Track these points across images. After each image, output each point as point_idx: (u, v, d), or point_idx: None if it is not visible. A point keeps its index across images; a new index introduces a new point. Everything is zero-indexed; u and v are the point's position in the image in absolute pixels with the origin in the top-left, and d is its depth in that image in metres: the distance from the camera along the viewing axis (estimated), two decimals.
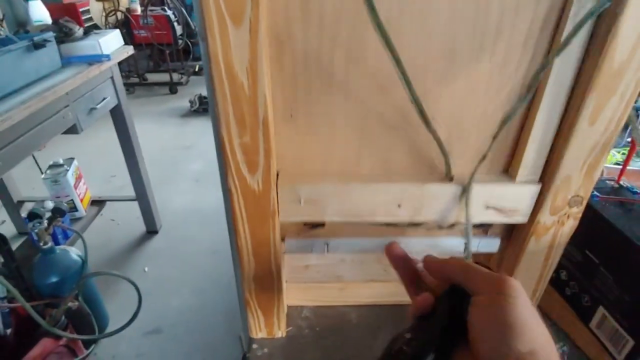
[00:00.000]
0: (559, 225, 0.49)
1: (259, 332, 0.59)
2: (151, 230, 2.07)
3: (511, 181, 0.49)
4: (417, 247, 0.52)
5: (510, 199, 0.50)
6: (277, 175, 0.47)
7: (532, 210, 0.49)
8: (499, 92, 0.45)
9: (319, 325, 0.61)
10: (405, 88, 0.40)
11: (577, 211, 0.48)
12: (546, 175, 0.47)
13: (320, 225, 0.53)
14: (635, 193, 0.57)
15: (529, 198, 0.49)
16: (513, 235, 0.55)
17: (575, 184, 0.45)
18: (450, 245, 0.54)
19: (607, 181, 0.61)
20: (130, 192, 1.97)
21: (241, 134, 0.42)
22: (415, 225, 0.52)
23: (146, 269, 1.86)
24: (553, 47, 0.41)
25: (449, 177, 0.49)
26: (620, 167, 0.89)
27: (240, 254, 0.51)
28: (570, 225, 0.49)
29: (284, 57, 0.42)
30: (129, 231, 2.08)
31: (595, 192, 0.57)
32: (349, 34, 0.40)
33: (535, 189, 0.49)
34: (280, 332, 0.59)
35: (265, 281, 0.53)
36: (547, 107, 0.44)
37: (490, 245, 0.54)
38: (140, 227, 2.07)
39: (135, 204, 1.99)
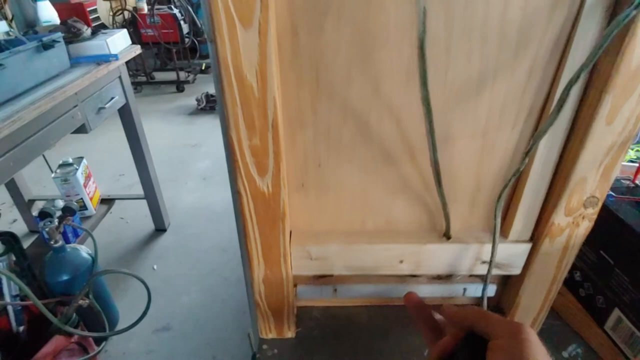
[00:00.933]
0: (573, 226, 0.48)
1: (269, 333, 0.59)
2: (160, 228, 2.08)
3: (504, 240, 0.53)
4: (420, 292, 0.55)
5: (503, 256, 0.53)
6: (290, 234, 0.52)
7: (543, 213, 0.49)
8: (498, 161, 0.49)
9: (329, 327, 0.61)
10: (430, 154, 0.45)
11: (593, 212, 0.47)
12: (560, 176, 0.46)
13: (329, 275, 0.57)
14: None
15: (521, 255, 0.53)
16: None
17: (591, 185, 0.44)
18: (449, 290, 0.58)
19: (623, 180, 0.59)
20: (139, 190, 1.98)
21: (250, 136, 0.41)
22: (415, 276, 0.57)
23: (155, 267, 1.87)
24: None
25: (447, 237, 0.53)
26: (637, 165, 0.87)
27: (250, 256, 0.50)
28: (585, 227, 0.48)
29: (296, 137, 0.46)
30: (138, 229, 2.09)
31: (611, 192, 0.55)
32: (356, 116, 0.45)
33: (526, 247, 0.52)
34: (290, 333, 0.59)
35: (275, 284, 0.53)
36: (539, 168, 0.47)
37: (489, 290, 0.58)
38: (149, 225, 2.08)
39: (144, 202, 2.00)
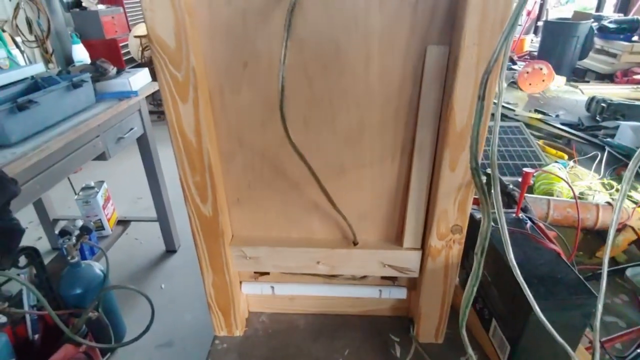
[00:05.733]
0: (448, 249, 0.62)
1: (221, 330, 0.75)
2: (170, 250, 2.29)
3: (400, 247, 0.69)
4: (342, 293, 0.75)
5: (400, 260, 0.69)
6: (232, 237, 0.71)
7: (423, 238, 0.64)
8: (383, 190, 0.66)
9: (272, 328, 0.76)
10: (317, 184, 0.62)
11: (460, 237, 0.61)
12: (429, 209, 0.62)
13: (266, 273, 0.75)
14: (525, 224, 0.69)
15: (415, 260, 0.69)
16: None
17: (452, 215, 0.59)
18: (368, 292, 0.74)
19: (512, 214, 0.73)
20: (154, 213, 2.20)
21: (193, 174, 0.59)
22: (333, 276, 0.73)
23: (163, 286, 2.06)
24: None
25: (354, 243, 0.69)
26: (574, 201, 1.00)
27: (200, 264, 0.68)
28: (457, 249, 0.62)
29: (230, 166, 0.65)
30: (150, 250, 2.31)
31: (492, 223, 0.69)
32: (272, 153, 0.64)
33: (418, 253, 0.68)
34: (238, 332, 0.75)
35: (221, 288, 0.70)
36: (415, 197, 0.63)
37: (400, 292, 0.73)
38: (161, 246, 2.29)
39: (157, 224, 2.22)
